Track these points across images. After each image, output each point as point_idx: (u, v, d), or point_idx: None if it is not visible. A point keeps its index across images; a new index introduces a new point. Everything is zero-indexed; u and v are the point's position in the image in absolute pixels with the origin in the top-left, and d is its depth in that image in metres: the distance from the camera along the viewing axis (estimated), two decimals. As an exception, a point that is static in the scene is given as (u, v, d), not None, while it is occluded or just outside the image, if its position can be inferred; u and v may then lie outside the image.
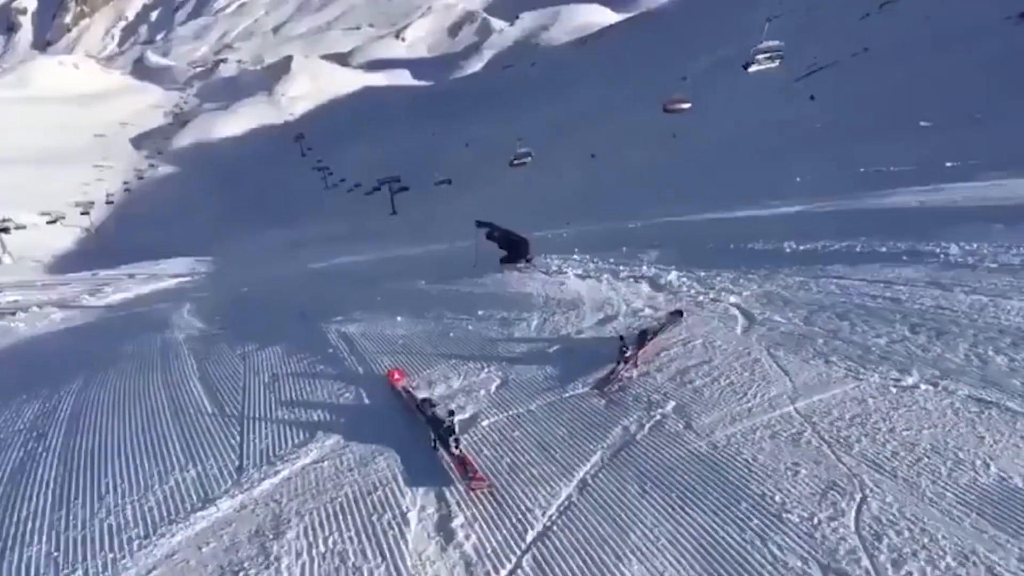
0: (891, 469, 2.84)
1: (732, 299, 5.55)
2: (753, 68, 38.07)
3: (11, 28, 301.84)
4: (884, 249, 6.55)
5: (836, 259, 6.48)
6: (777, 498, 2.75)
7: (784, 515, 2.64)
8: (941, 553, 2.35)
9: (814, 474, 2.87)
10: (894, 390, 3.52)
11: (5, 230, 58.48)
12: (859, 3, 56.96)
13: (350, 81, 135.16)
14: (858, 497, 2.68)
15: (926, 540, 2.41)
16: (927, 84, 27.31)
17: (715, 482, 2.93)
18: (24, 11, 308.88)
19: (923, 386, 3.52)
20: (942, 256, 5.96)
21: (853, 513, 2.59)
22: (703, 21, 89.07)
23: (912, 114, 21.81)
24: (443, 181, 56.02)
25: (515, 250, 8.91)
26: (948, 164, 13.83)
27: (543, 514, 2.90)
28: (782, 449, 3.09)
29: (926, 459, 2.88)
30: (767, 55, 37.30)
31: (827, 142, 22.99)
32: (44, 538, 3.31)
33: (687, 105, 40.40)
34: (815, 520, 2.59)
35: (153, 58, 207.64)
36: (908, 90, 27.29)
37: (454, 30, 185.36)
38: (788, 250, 7.27)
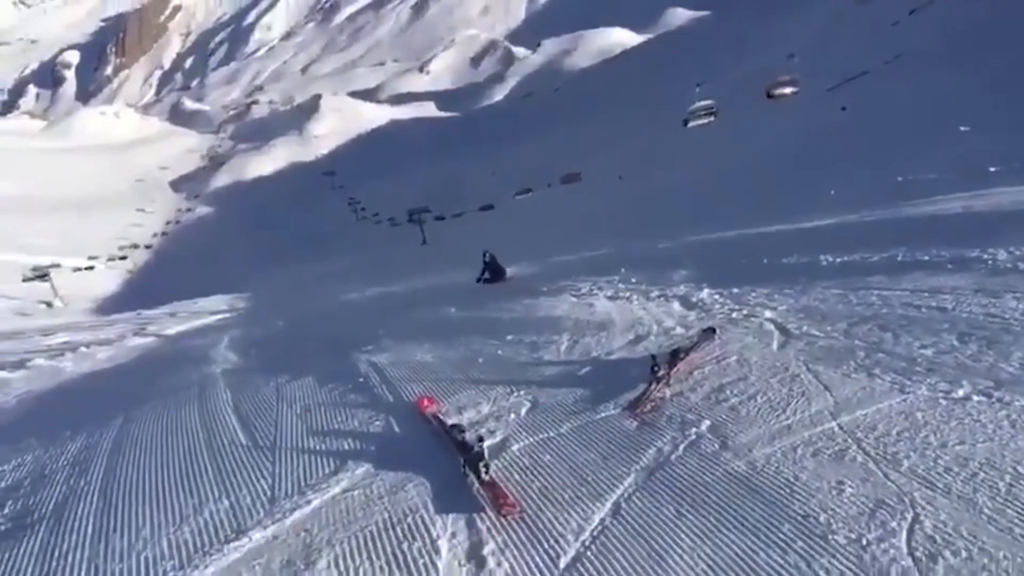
0: (944, 485, 2.67)
1: (767, 314, 5.39)
2: (691, 124, 41.42)
3: (56, 82, 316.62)
4: (927, 258, 6.29)
5: (876, 270, 6.25)
6: (822, 518, 2.61)
7: (830, 536, 2.50)
8: (1003, 575, 2.19)
9: (861, 492, 2.72)
10: (944, 402, 3.34)
11: (43, 276, 60.15)
12: (889, 11, 56.31)
13: (377, 116, 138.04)
14: (909, 516, 2.52)
15: (986, 560, 2.25)
16: (964, 88, 26.65)
17: (755, 503, 2.80)
18: (69, 65, 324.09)
19: (975, 397, 3.33)
20: (990, 262, 5.68)
21: (904, 533, 2.44)
22: (724, 38, 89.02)
23: (950, 120, 21.20)
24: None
25: (496, 275, 11.40)
26: (992, 169, 13.35)
27: (576, 539, 2.80)
28: (825, 467, 2.95)
29: (982, 474, 2.70)
30: (701, 113, 42.73)
31: (862, 152, 22.49)
32: (84, 571, 3.35)
33: (791, 90, 38.91)
34: (863, 541, 2.44)
35: (188, 104, 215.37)
36: (944, 96, 26.62)
37: (477, 60, 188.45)
38: (825, 263, 7.06)
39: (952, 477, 2.72)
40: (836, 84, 41.70)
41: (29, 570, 3.49)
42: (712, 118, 42.00)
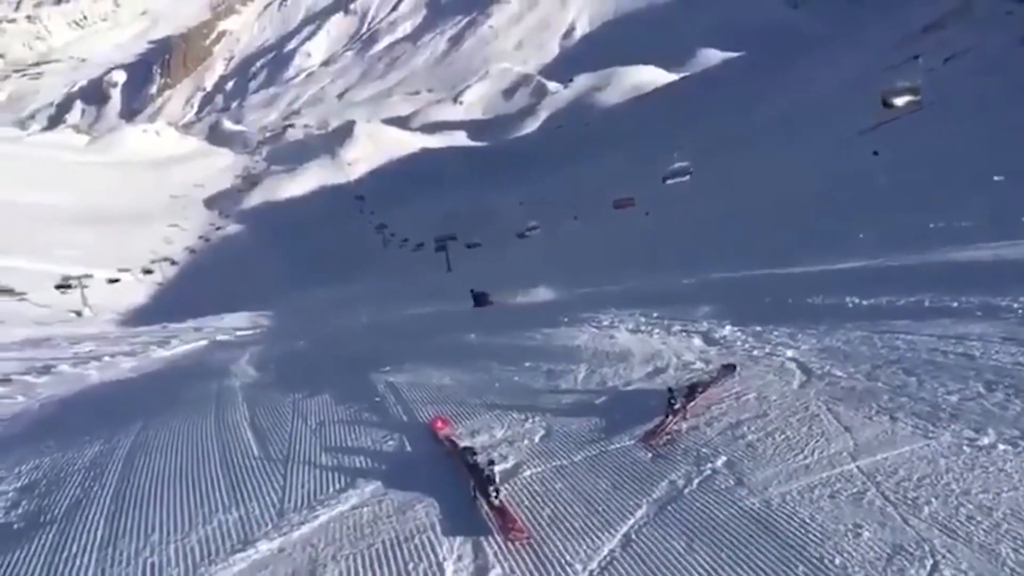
0: (966, 534, 2.59)
1: (789, 353, 5.31)
2: (668, 181, 47.57)
3: (102, 99, 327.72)
4: (955, 304, 6.17)
5: (902, 314, 6.14)
6: (837, 561, 2.54)
7: (845, 580, 2.43)
8: (1026, 629, 2.10)
9: (879, 537, 2.65)
10: (968, 450, 3.25)
11: (66, 287, 61.47)
12: (923, 58, 56.27)
13: (409, 143, 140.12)
14: (929, 563, 2.44)
15: (1008, 614, 2.17)
16: (998, 137, 26.40)
17: (769, 542, 2.73)
18: (115, 84, 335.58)
19: (1001, 446, 3.23)
20: (1020, 311, 5.53)
21: (923, 581, 2.37)
22: (758, 78, 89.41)
23: (983, 169, 20.95)
24: (528, 230, 57.71)
25: (481, 302, 14.49)
26: (1026, 219, 13.11)
27: (584, 568, 2.76)
28: (843, 509, 2.88)
29: (1006, 524, 2.61)
30: (678, 173, 47.66)
31: (892, 197, 22.26)
32: (90, 573, 3.36)
33: (908, 100, 36.36)
34: (880, 587, 2.37)
35: (227, 124, 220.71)
36: (978, 144, 26.38)
37: (509, 93, 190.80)
38: (850, 305, 6.96)
39: (974, 526, 2.63)
40: (869, 128, 41.56)
41: (36, 570, 3.51)
42: (688, 177, 47.28)
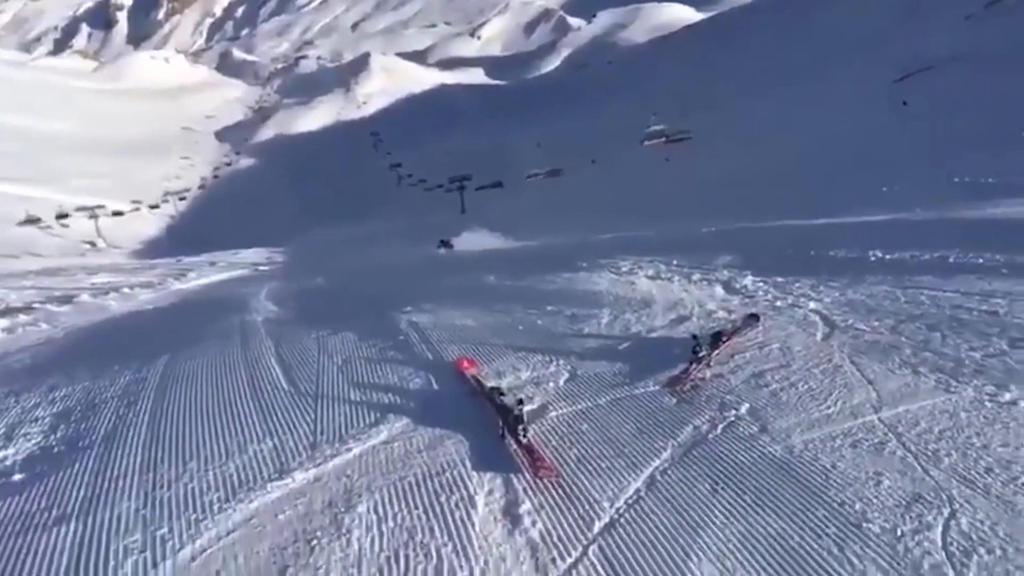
0: (984, 486, 2.68)
1: (812, 305, 5.34)
2: (646, 143, 49.35)
3: (109, 24, 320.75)
4: (981, 261, 6.13)
5: (926, 270, 6.12)
6: (857, 507, 2.64)
7: (864, 524, 2.54)
8: (1038, 576, 2.20)
9: (898, 485, 2.74)
10: (989, 405, 3.32)
11: (63, 216, 61.82)
12: (962, 3, 53.70)
13: (425, 79, 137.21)
14: (946, 512, 2.54)
15: (1021, 560, 2.27)
16: (1032, 90, 25.54)
17: (791, 487, 2.84)
18: (121, 7, 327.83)
19: (1023, 403, 3.30)
20: (1048, 269, 5.53)
21: (940, 528, 2.47)
22: (790, 19, 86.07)
23: (1014, 123, 20.39)
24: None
25: (446, 245, 18.76)
26: (1058, 175, 12.83)
27: (610, 506, 2.88)
28: (864, 458, 2.97)
29: (1024, 478, 2.70)
30: (654, 136, 49.39)
31: (920, 150, 21.76)
32: (133, 496, 3.50)
33: None
34: (898, 532, 2.47)
35: (237, 54, 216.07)
36: (1011, 97, 25.52)
37: (530, 28, 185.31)
38: (873, 259, 6.92)
39: (993, 478, 2.72)
40: (902, 76, 40.22)
41: (81, 491, 3.66)
42: (664, 139, 48.40)
